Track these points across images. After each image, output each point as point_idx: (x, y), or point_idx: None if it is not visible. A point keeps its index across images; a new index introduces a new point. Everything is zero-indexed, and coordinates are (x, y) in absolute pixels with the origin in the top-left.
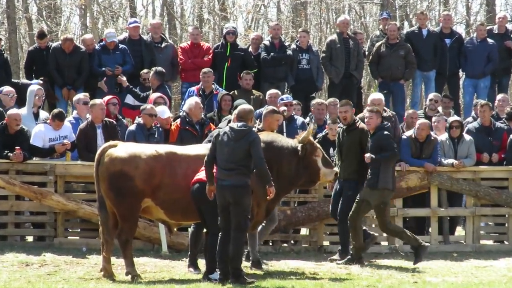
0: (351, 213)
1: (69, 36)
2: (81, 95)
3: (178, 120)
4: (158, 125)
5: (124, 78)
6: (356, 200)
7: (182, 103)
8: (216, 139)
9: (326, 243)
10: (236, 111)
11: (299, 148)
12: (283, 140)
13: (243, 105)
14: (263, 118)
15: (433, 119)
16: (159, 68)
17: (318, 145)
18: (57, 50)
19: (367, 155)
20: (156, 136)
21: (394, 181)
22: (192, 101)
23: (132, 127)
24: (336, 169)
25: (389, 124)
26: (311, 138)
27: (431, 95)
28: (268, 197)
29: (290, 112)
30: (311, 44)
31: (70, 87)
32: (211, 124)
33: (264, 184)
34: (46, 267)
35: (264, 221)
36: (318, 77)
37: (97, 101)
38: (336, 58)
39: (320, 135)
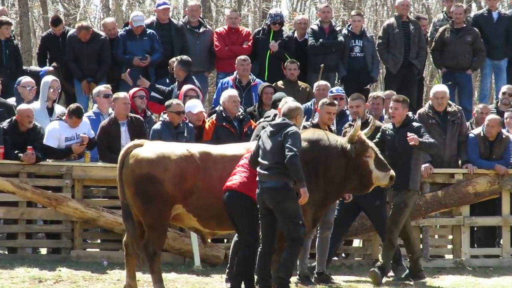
0: (390, 224)
1: (84, 23)
2: (101, 87)
3: (214, 116)
4: (187, 121)
5: (145, 80)
6: (391, 207)
7: (214, 97)
8: (259, 137)
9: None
10: (282, 109)
11: (347, 147)
12: (331, 139)
13: (290, 103)
14: (319, 111)
15: (506, 114)
16: (185, 57)
17: (371, 144)
18: (74, 38)
19: (411, 135)
20: (185, 134)
21: (420, 181)
22: (226, 93)
23: (157, 125)
24: (392, 172)
25: (415, 116)
26: (363, 136)
27: (504, 88)
28: (300, 201)
29: (341, 107)
30: (365, 29)
31: (91, 79)
32: (252, 120)
33: (308, 188)
34: (61, 284)
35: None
36: (373, 66)
37: (121, 94)
38: (394, 45)
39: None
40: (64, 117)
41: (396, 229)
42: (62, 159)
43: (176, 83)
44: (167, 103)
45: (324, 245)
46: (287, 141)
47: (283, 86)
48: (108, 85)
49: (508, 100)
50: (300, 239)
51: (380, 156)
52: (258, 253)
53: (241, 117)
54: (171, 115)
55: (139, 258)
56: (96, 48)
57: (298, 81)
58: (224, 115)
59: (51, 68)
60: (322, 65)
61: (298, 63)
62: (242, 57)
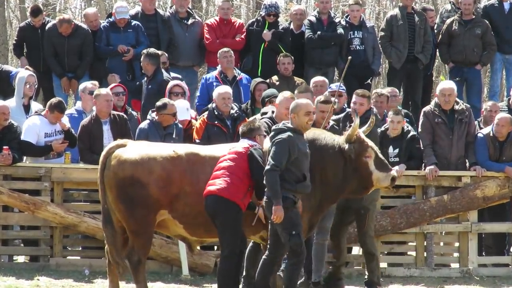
0: (359, 236)
1: (66, 16)
2: (88, 83)
3: (206, 114)
4: (177, 121)
5: (117, 77)
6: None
7: (198, 94)
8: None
9: (383, 264)
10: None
11: (345, 147)
12: (328, 138)
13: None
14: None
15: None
16: (152, 50)
17: (371, 143)
18: (53, 32)
19: None
20: (174, 136)
21: None
22: (216, 90)
23: (144, 124)
24: (394, 172)
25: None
26: (361, 135)
27: None
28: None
29: (341, 104)
30: (364, 18)
31: (72, 75)
32: (247, 119)
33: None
34: None
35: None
36: (374, 58)
37: (102, 90)
38: (397, 38)
39: (378, 130)
40: (44, 113)
41: (367, 238)
42: (40, 159)
43: (145, 78)
44: (160, 104)
45: (321, 253)
46: (270, 151)
47: (277, 82)
48: (96, 82)
49: None
50: (294, 251)
51: (381, 156)
52: (262, 260)
53: (235, 115)
54: (165, 117)
55: (118, 267)
56: (78, 42)
57: (294, 77)
58: (216, 113)
59: (24, 71)
60: (350, 57)
61: (292, 57)
62: (225, 49)
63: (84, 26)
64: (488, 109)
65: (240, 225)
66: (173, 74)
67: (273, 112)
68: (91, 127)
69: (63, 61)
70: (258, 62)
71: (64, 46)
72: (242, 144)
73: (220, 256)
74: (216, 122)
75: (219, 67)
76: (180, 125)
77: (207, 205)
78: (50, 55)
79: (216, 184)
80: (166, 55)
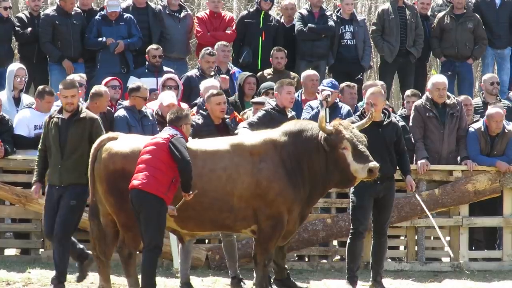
0: None
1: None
2: (76, 76)
3: (195, 109)
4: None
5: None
6: None
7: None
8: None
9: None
10: None
11: (321, 139)
12: (315, 129)
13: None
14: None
15: (489, 107)
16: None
17: (349, 135)
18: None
19: None
20: (150, 118)
21: None
22: (204, 84)
23: (121, 112)
24: (372, 164)
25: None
26: (340, 127)
27: (487, 77)
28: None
29: (334, 99)
30: (355, 12)
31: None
32: (235, 112)
33: (292, 185)
34: (31, 287)
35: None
36: (365, 54)
37: (103, 90)
38: (389, 32)
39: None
40: (34, 106)
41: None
42: (32, 152)
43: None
44: (134, 86)
45: (230, 248)
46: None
47: (269, 76)
48: (83, 75)
49: (496, 89)
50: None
51: (361, 147)
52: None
53: None
54: (137, 100)
55: (98, 262)
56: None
57: (287, 71)
58: (204, 107)
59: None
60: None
61: (286, 51)
62: (224, 43)
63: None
64: (463, 103)
65: (164, 219)
66: (166, 68)
67: (263, 103)
68: None
69: (66, 45)
70: (257, 55)
71: (69, 27)
72: (163, 134)
73: (144, 250)
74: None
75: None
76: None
77: (131, 199)
78: (46, 41)
79: (139, 178)
80: (161, 48)
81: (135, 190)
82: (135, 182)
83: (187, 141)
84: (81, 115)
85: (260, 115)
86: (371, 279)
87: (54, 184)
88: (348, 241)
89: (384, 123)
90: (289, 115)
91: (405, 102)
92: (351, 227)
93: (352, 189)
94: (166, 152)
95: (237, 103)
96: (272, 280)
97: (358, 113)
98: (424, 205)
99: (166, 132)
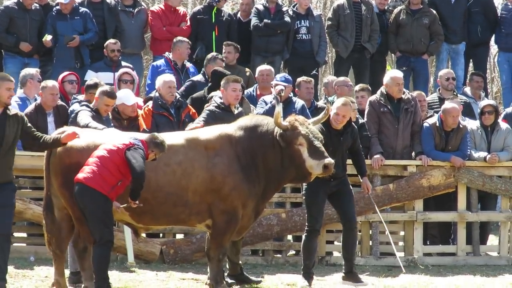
0: None
1: None
2: (32, 70)
3: (150, 103)
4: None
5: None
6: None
7: (149, 82)
8: None
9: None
10: None
11: (277, 135)
12: (270, 124)
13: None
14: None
15: (446, 102)
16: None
17: (304, 131)
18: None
19: None
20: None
21: None
22: (161, 79)
23: (76, 106)
24: (327, 160)
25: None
26: (296, 123)
27: (443, 72)
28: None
29: (287, 93)
30: (311, 7)
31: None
32: (190, 106)
33: (247, 180)
34: None
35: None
36: (320, 49)
37: (49, 83)
38: (344, 28)
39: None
40: None
41: None
42: None
43: None
44: (91, 83)
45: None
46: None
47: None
48: (38, 69)
49: (452, 85)
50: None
51: (316, 143)
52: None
53: (177, 104)
54: (93, 97)
55: (53, 255)
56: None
57: (238, 65)
58: (160, 102)
59: None
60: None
61: (237, 46)
62: (184, 39)
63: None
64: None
65: (110, 213)
66: (124, 63)
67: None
68: (36, 117)
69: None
70: (211, 50)
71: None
72: (125, 140)
73: (96, 245)
74: (161, 111)
75: (169, 54)
76: None
77: (75, 192)
78: (1, 32)
79: (84, 172)
80: (119, 43)
81: (78, 183)
82: (80, 175)
83: (146, 159)
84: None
85: (204, 116)
86: (344, 271)
87: None
88: (304, 238)
89: (346, 130)
90: (236, 111)
91: (354, 97)
92: (307, 224)
93: (304, 186)
94: (121, 157)
95: (206, 98)
96: (226, 275)
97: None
98: (376, 207)
99: (130, 138)
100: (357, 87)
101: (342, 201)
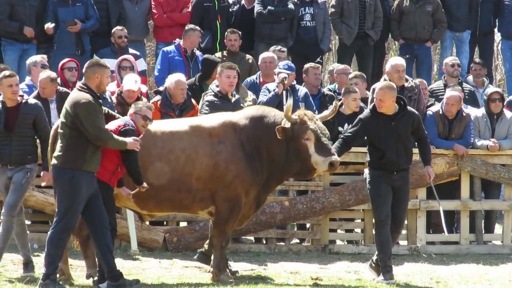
0: None
1: None
2: (38, 57)
3: (159, 100)
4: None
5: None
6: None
7: (159, 67)
8: None
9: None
10: None
11: (286, 127)
12: (278, 116)
13: None
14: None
15: (447, 90)
16: None
17: (312, 126)
18: None
19: None
20: (109, 100)
21: None
22: (173, 79)
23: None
24: (334, 158)
25: None
26: (305, 117)
27: (448, 59)
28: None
29: (290, 81)
30: None
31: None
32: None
33: (250, 168)
34: None
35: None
36: (324, 36)
37: (43, 74)
38: (348, 15)
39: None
40: None
41: None
42: None
43: None
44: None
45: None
46: None
47: (221, 58)
48: (45, 56)
49: (458, 71)
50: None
51: (324, 140)
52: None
53: (182, 106)
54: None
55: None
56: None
57: (241, 52)
58: (168, 102)
59: None
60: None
61: (240, 33)
62: (196, 27)
63: None
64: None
65: (112, 201)
66: (131, 51)
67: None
68: None
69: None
70: (217, 37)
71: (26, 9)
72: (118, 122)
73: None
74: (168, 111)
75: (179, 42)
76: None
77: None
78: (4, 19)
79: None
80: (126, 29)
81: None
82: None
83: (138, 134)
84: None
85: (206, 108)
86: (373, 263)
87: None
88: (374, 232)
89: (398, 115)
90: (233, 99)
91: (349, 83)
92: (374, 217)
93: (368, 179)
94: None
95: (194, 87)
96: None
97: (370, 106)
98: (436, 194)
99: (121, 120)
100: (351, 75)
101: (396, 202)
